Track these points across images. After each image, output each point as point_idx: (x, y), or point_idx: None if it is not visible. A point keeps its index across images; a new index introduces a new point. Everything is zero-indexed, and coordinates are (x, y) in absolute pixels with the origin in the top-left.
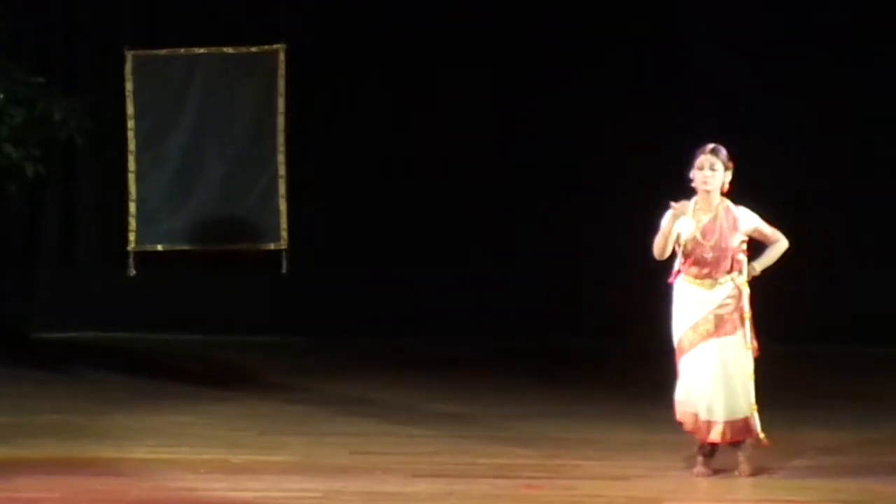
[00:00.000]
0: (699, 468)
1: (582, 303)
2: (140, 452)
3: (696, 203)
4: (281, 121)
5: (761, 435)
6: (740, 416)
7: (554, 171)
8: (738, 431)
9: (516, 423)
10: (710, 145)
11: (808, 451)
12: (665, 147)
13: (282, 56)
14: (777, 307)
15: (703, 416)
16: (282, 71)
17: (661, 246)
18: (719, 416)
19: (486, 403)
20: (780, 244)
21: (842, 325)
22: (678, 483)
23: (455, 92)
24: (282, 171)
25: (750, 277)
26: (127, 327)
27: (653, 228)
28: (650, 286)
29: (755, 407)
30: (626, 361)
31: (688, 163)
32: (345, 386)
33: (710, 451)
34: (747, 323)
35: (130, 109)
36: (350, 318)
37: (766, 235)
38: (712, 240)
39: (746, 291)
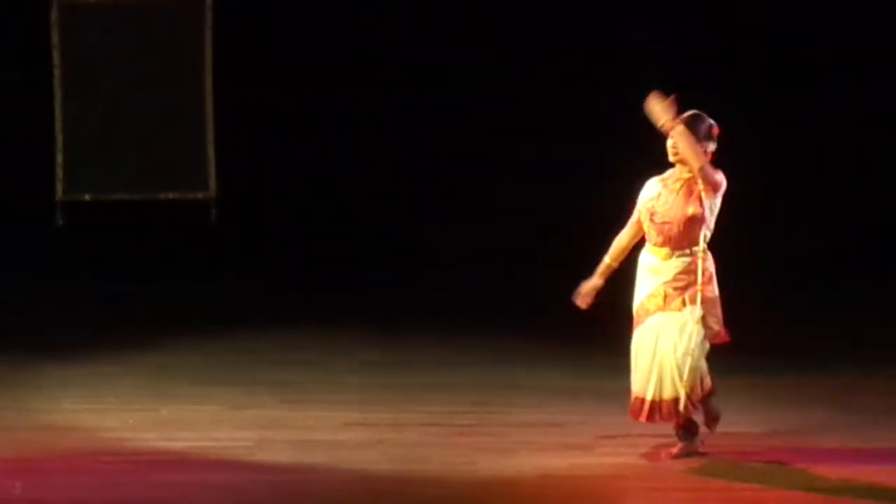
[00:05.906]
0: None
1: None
2: (68, 403)
3: (672, 172)
4: (209, 69)
5: (681, 406)
6: (666, 397)
7: (496, 131)
8: (665, 415)
9: (447, 371)
10: (688, 113)
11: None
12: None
13: (209, 3)
14: None
15: (637, 393)
16: (209, 20)
17: None
18: (648, 395)
19: (416, 351)
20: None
21: None
22: (610, 429)
23: (386, 33)
24: (210, 120)
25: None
26: (54, 277)
27: None
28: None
29: (685, 388)
30: (557, 308)
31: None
32: (275, 335)
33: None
34: (699, 302)
35: (56, 59)
36: (280, 268)
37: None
38: (664, 206)
39: (708, 271)
